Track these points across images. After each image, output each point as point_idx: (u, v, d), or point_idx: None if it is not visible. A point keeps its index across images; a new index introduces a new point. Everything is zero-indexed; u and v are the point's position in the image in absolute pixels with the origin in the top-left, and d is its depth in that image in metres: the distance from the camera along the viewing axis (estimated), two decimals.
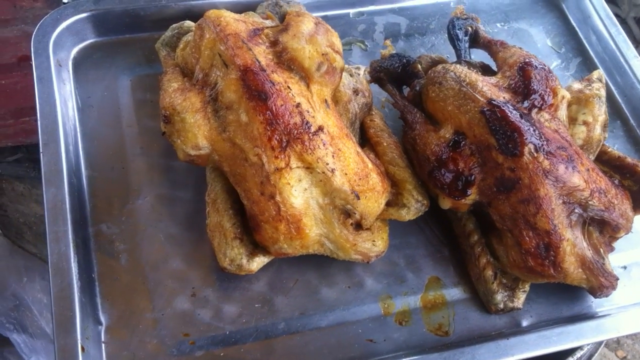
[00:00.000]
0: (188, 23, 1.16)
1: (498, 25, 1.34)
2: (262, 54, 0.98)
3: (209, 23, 1.01)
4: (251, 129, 0.93)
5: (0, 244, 2.22)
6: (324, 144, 0.94)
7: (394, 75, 1.14)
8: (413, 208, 1.02)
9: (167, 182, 1.09)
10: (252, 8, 1.18)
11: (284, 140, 0.93)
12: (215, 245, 0.99)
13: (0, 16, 1.83)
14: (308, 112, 0.95)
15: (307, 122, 0.94)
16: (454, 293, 1.06)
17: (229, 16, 1.02)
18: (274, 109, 0.93)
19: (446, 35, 1.29)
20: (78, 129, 1.11)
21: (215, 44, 0.99)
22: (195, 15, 1.20)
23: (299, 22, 1.01)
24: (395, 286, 1.05)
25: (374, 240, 1.00)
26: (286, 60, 0.98)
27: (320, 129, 0.95)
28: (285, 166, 0.93)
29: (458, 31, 1.16)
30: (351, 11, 1.32)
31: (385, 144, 1.06)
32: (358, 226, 1.00)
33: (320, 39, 0.99)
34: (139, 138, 1.12)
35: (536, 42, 1.33)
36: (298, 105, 0.94)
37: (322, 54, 0.98)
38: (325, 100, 0.99)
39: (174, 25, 1.16)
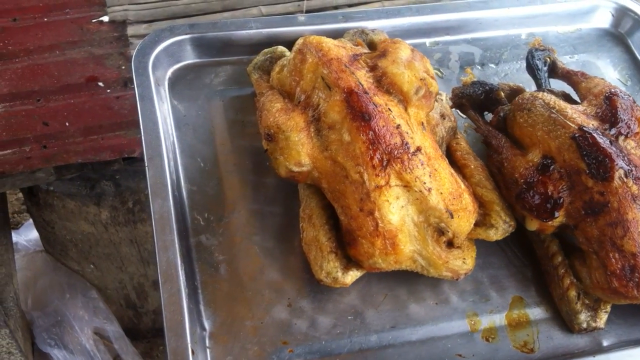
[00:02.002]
0: (280, 48, 1.22)
1: (567, 57, 1.40)
2: (363, 77, 1.03)
3: (311, 48, 1.07)
4: (353, 148, 0.99)
5: (43, 260, 2.27)
6: (421, 164, 0.99)
7: (476, 101, 1.20)
8: (501, 229, 1.06)
9: (259, 198, 1.15)
10: (336, 36, 1.24)
11: (385, 160, 0.98)
12: (312, 258, 1.03)
13: (68, 38, 1.92)
14: (407, 133, 1.00)
15: (407, 143, 0.99)
16: (537, 312, 1.09)
17: (330, 42, 1.08)
18: (376, 130, 0.98)
19: (518, 65, 1.36)
20: (176, 146, 1.17)
21: (318, 67, 1.05)
22: (281, 41, 1.28)
23: (397, 49, 1.07)
24: (480, 304, 1.09)
25: (464, 259, 1.04)
26: (386, 84, 1.04)
27: (419, 149, 1.00)
28: (385, 184, 0.98)
29: (537, 61, 1.22)
30: (427, 40, 1.38)
31: (472, 166, 1.11)
32: (449, 244, 1.05)
33: (417, 65, 1.05)
34: (231, 155, 1.18)
35: (603, 74, 1.39)
36: (398, 126, 1.00)
37: (420, 79, 1.04)
38: (422, 123, 1.05)
39: (266, 50, 1.23)
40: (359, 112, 0.99)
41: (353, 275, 1.03)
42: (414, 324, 1.06)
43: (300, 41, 1.13)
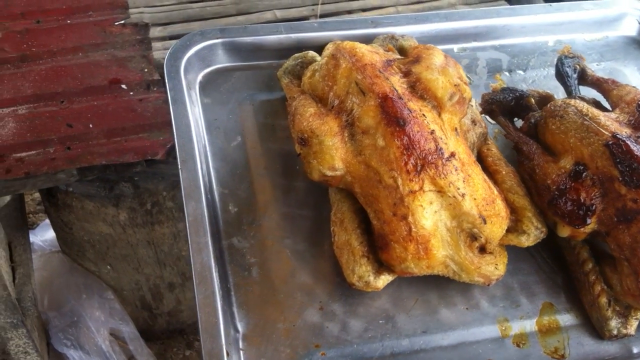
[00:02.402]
0: (311, 53, 1.23)
1: (594, 64, 1.40)
2: (397, 83, 1.04)
3: (345, 53, 1.08)
4: (387, 152, 0.99)
5: (60, 260, 2.28)
6: (455, 170, 1.00)
7: (506, 107, 1.20)
8: (533, 235, 1.06)
9: (290, 201, 1.15)
10: (364, 41, 1.25)
11: (419, 165, 0.98)
12: (344, 262, 1.04)
13: (91, 40, 1.94)
14: (441, 139, 1.01)
15: (441, 149, 1.00)
16: (567, 319, 1.10)
17: (363, 47, 1.09)
18: (411, 135, 0.99)
19: (546, 71, 1.36)
20: (208, 149, 1.17)
21: (352, 73, 1.06)
22: (310, 46, 1.29)
23: (431, 55, 1.08)
24: (511, 310, 1.09)
25: (496, 264, 1.05)
26: (419, 90, 1.04)
27: (452, 155, 1.01)
28: (419, 189, 0.98)
29: (567, 69, 1.22)
30: (455, 47, 1.39)
31: (504, 172, 1.11)
32: (481, 250, 1.05)
33: (451, 71, 1.06)
34: (262, 159, 1.19)
35: (630, 81, 1.39)
36: (432, 132, 1.00)
37: (454, 85, 1.04)
38: (455, 129, 1.05)
39: (296, 55, 1.24)
40: (393, 118, 0.99)
41: (385, 279, 1.04)
42: (445, 328, 1.06)
43: (332, 46, 1.14)
